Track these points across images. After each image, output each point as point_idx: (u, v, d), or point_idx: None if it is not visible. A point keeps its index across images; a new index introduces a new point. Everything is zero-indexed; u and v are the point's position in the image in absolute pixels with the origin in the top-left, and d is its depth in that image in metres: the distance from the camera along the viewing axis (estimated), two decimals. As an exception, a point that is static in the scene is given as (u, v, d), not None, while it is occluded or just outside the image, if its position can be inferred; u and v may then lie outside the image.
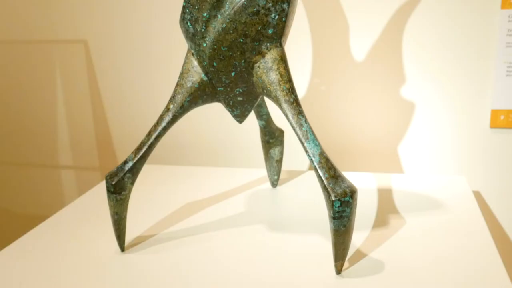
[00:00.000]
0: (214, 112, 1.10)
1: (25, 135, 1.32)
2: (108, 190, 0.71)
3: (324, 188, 0.61)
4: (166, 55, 1.16)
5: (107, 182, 0.71)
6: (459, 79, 1.05)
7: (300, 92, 1.11)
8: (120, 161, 1.27)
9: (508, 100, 1.04)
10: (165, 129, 0.71)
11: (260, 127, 0.90)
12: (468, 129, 1.07)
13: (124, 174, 0.70)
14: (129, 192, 0.72)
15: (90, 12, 1.19)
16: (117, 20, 1.18)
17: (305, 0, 1.06)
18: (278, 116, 0.85)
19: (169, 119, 0.70)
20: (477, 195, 1.09)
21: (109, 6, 1.17)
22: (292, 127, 0.64)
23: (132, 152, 0.71)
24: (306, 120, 0.64)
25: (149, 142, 0.70)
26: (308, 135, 0.63)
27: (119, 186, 0.70)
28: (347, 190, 0.61)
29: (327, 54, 1.09)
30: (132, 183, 0.71)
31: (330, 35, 1.08)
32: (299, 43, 1.08)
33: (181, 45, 0.81)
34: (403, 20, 1.04)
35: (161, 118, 0.71)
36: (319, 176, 0.62)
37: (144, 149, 0.70)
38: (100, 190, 0.99)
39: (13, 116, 1.32)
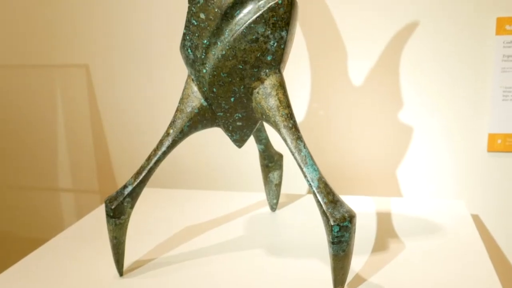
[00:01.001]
0: (214, 136, 1.10)
1: (25, 158, 1.33)
2: (108, 215, 0.71)
3: (323, 213, 0.62)
4: (166, 80, 1.18)
5: (106, 207, 0.71)
6: (456, 103, 1.06)
7: (299, 117, 1.12)
8: (120, 184, 1.27)
9: (504, 124, 1.05)
10: (164, 153, 0.71)
11: (259, 151, 0.90)
12: (466, 153, 1.08)
13: (124, 199, 0.70)
14: (129, 216, 0.72)
15: (91, 37, 1.21)
16: (118, 45, 1.19)
17: (303, 25, 1.08)
18: (277, 141, 0.85)
19: (169, 143, 0.71)
20: (476, 218, 1.09)
21: (110, 30, 1.19)
22: (291, 152, 0.65)
23: (132, 177, 0.71)
24: (305, 145, 0.65)
25: (148, 167, 0.71)
26: (307, 160, 0.64)
27: (118, 211, 0.70)
28: (346, 215, 0.61)
29: (325, 79, 1.11)
30: (132, 207, 0.72)
31: (328, 59, 1.09)
32: (297, 67, 1.09)
33: (181, 70, 0.82)
34: (400, 45, 1.06)
35: (161, 142, 0.71)
36: (318, 201, 0.62)
37: (143, 174, 0.71)
38: (99, 213, 0.99)
39: (13, 140, 1.32)
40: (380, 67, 1.07)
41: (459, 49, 1.03)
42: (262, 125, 0.85)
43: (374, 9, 1.05)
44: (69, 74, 1.25)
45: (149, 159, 0.71)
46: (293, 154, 0.65)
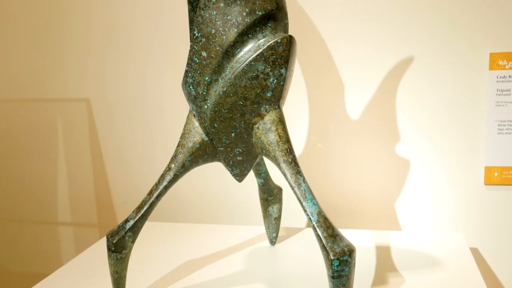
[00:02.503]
0: (214, 170, 1.11)
1: (25, 191, 1.33)
2: (109, 249, 0.71)
3: (323, 247, 0.62)
4: (167, 115, 1.19)
5: (108, 241, 0.71)
6: (453, 136, 1.07)
7: (298, 150, 1.14)
8: (119, 218, 1.27)
9: (500, 157, 1.06)
10: (166, 188, 0.72)
11: (258, 185, 0.91)
12: (464, 186, 1.09)
13: (125, 233, 0.71)
14: (130, 250, 0.72)
15: (92, 71, 1.23)
16: (119, 79, 1.21)
17: (301, 59, 1.11)
18: (276, 174, 0.86)
19: (170, 178, 0.72)
20: (475, 251, 1.09)
21: (111, 65, 1.21)
22: (291, 186, 0.66)
23: (134, 211, 0.72)
24: (304, 180, 0.66)
25: (150, 201, 0.72)
26: (306, 195, 0.65)
27: (120, 245, 0.71)
28: (346, 249, 0.62)
29: (324, 112, 1.12)
30: (133, 241, 0.72)
31: (327, 93, 1.11)
32: (296, 101, 1.11)
33: (181, 105, 0.84)
34: (397, 79, 1.08)
35: (162, 177, 0.72)
36: (317, 235, 0.63)
37: (145, 208, 0.72)
38: (98, 247, 0.99)
39: (13, 172, 1.33)
40: (377, 101, 1.09)
41: (454, 83, 1.05)
42: (262, 159, 0.86)
43: (371, 45, 1.07)
44: (70, 108, 1.27)
45: (150, 193, 0.72)
46: (292, 189, 0.65)
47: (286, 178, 0.66)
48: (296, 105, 1.12)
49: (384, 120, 1.10)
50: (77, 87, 1.25)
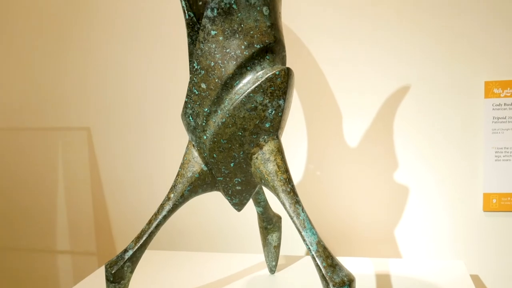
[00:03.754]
0: (213, 198, 1.12)
1: (24, 219, 1.33)
2: (107, 279, 0.71)
3: (322, 277, 0.62)
4: (166, 145, 1.20)
5: (106, 271, 0.71)
6: (451, 163, 1.08)
7: (296, 178, 1.14)
8: (118, 246, 1.27)
9: (498, 184, 1.06)
10: (165, 217, 0.72)
11: (258, 213, 0.91)
12: (463, 213, 1.09)
13: (124, 263, 0.71)
14: (128, 281, 0.72)
15: (93, 100, 1.24)
16: (119, 109, 1.23)
17: (299, 88, 1.12)
18: (276, 202, 0.87)
19: (170, 207, 0.72)
20: (476, 279, 1.09)
21: (112, 94, 1.23)
22: (290, 216, 0.66)
23: (133, 241, 0.72)
24: (303, 209, 0.66)
25: (149, 231, 0.72)
26: (305, 224, 0.65)
27: (118, 275, 0.71)
28: (345, 278, 0.62)
29: (321, 140, 1.13)
30: (132, 271, 0.72)
31: (324, 121, 1.13)
32: (294, 129, 1.12)
33: (181, 136, 0.84)
34: (394, 107, 1.09)
35: (161, 206, 0.73)
36: (317, 265, 0.63)
37: (144, 238, 0.72)
38: (97, 277, 0.98)
39: (12, 200, 1.33)
40: (375, 128, 1.10)
41: (451, 111, 1.06)
42: (261, 188, 0.87)
43: (368, 73, 1.09)
44: (71, 137, 1.27)
45: (149, 223, 0.72)
46: (291, 218, 0.66)
47: (285, 208, 0.67)
48: (294, 132, 1.13)
49: (381, 147, 1.11)
50: (78, 115, 1.26)
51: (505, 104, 1.04)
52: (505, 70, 1.03)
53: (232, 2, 0.64)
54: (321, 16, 1.10)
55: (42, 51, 1.25)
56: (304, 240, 0.64)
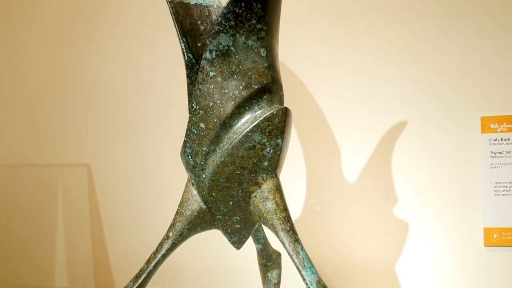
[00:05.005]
0: (213, 236, 1.12)
1: (22, 255, 1.32)
2: (106, 320, 0.71)
3: (322, 317, 0.62)
4: (166, 183, 1.20)
5: (105, 312, 0.71)
6: (450, 198, 1.08)
7: (295, 213, 1.14)
8: (117, 284, 1.26)
9: (499, 219, 1.06)
10: (164, 256, 0.72)
11: (257, 250, 0.91)
12: (463, 248, 1.08)
13: (123, 303, 0.70)
14: (127, 321, 0.72)
15: (93, 137, 1.25)
16: (120, 145, 1.23)
17: (297, 124, 1.13)
18: (275, 239, 0.86)
19: (168, 246, 0.73)
20: (478, 315, 1.07)
21: (112, 131, 1.24)
22: (289, 254, 0.66)
23: (131, 280, 0.72)
24: (302, 248, 0.66)
25: (148, 270, 0.72)
26: (305, 263, 0.65)
27: (117, 316, 0.70)
28: (345, 319, 0.62)
29: (321, 175, 1.14)
30: (130, 312, 0.71)
31: (323, 156, 1.13)
32: (293, 164, 1.13)
33: (180, 174, 0.85)
34: (392, 142, 1.10)
35: (160, 245, 0.73)
36: (316, 305, 0.62)
37: (143, 277, 0.72)
38: (96, 317, 0.97)
39: (12, 236, 1.32)
40: (374, 163, 1.11)
41: (448, 146, 1.07)
42: (260, 225, 0.87)
43: (366, 109, 1.10)
44: (71, 173, 1.28)
45: (148, 262, 0.72)
46: (291, 257, 0.66)
47: (285, 246, 0.67)
48: (294, 168, 1.13)
49: (380, 182, 1.11)
50: (78, 152, 1.27)
51: (502, 139, 1.04)
52: (500, 105, 1.04)
53: (230, 44, 0.66)
54: (317, 52, 1.12)
55: (41, 87, 1.27)
56: (304, 279, 0.64)
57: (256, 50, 0.67)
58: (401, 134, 1.09)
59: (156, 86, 1.20)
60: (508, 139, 1.04)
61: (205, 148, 0.69)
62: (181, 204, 0.74)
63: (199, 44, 0.74)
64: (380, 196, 1.11)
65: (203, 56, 0.67)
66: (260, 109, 0.67)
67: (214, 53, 0.66)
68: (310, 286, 0.64)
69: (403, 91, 1.08)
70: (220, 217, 0.73)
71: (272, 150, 0.68)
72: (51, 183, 1.29)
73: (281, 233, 0.67)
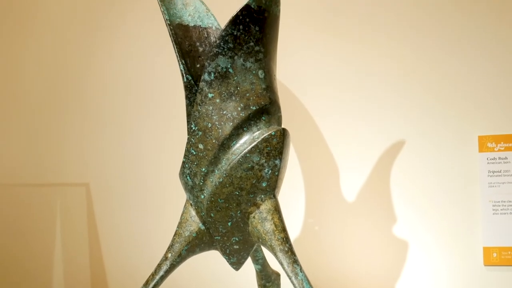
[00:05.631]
0: (211, 257, 1.11)
1: (20, 275, 1.31)
2: None
3: None
4: (165, 204, 1.20)
5: (102, 334, 0.70)
6: (449, 218, 1.08)
7: (294, 233, 1.14)
8: (115, 305, 1.25)
9: (498, 238, 1.06)
10: (162, 278, 0.72)
11: (256, 271, 0.90)
12: (463, 267, 1.08)
13: (120, 326, 0.70)
14: None
15: (92, 156, 1.25)
16: (119, 165, 1.24)
17: (296, 145, 1.13)
18: (274, 259, 0.86)
19: (167, 267, 0.72)
20: (479, 335, 1.07)
21: (111, 150, 1.24)
22: (288, 276, 0.66)
23: (129, 302, 0.71)
24: (301, 269, 0.66)
25: (146, 292, 0.71)
26: (304, 285, 0.65)
27: None
28: None
29: (319, 195, 1.14)
30: (128, 334, 0.71)
31: (322, 175, 1.13)
32: (292, 184, 1.13)
33: (179, 194, 0.85)
34: (390, 161, 1.10)
35: (159, 266, 0.72)
36: (315, 327, 0.62)
37: (141, 299, 0.71)
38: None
39: (10, 256, 1.32)
40: (372, 182, 1.11)
41: (447, 165, 1.07)
42: (259, 246, 0.86)
43: (364, 128, 1.11)
44: (70, 193, 1.28)
45: (147, 283, 0.72)
46: (290, 278, 0.66)
47: (283, 267, 0.67)
48: (293, 187, 1.13)
49: (379, 201, 1.11)
50: (77, 172, 1.27)
51: (499, 158, 1.05)
52: (497, 124, 1.05)
53: (229, 66, 0.66)
54: (315, 71, 1.13)
55: (40, 107, 1.28)
56: (302, 301, 0.64)
57: (254, 72, 0.67)
58: (399, 153, 1.09)
59: (155, 106, 1.21)
60: (506, 158, 1.05)
61: (203, 169, 0.69)
62: (179, 225, 0.74)
63: (198, 66, 0.75)
64: (379, 215, 1.11)
65: (202, 78, 0.68)
66: (258, 130, 0.68)
67: (212, 75, 0.67)
68: (309, 308, 0.63)
69: (401, 110, 1.09)
70: (219, 238, 0.72)
71: (270, 171, 0.68)
72: (50, 202, 1.29)
73: (280, 254, 0.67)
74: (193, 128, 0.69)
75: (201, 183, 0.70)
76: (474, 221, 1.07)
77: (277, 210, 0.69)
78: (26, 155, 1.30)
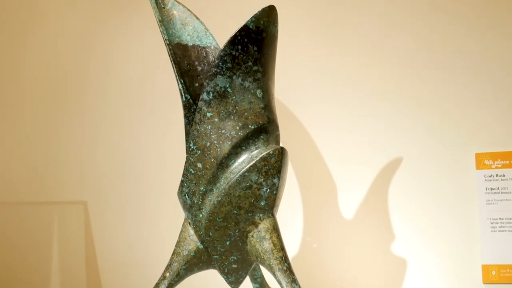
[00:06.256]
0: (210, 276, 1.11)
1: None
2: None
3: None
4: (163, 222, 1.20)
5: None
6: (448, 236, 1.08)
7: (293, 251, 1.13)
8: (112, 325, 1.24)
9: (497, 255, 1.06)
10: (161, 297, 0.72)
11: (254, 290, 0.90)
12: (462, 286, 1.07)
13: None
14: None
15: (90, 174, 1.25)
16: (117, 184, 1.24)
17: (294, 162, 1.14)
18: (273, 278, 0.85)
19: (165, 287, 0.72)
20: None
21: (109, 168, 1.24)
22: (286, 295, 0.65)
23: (127, 322, 0.71)
24: (299, 288, 0.66)
25: (144, 312, 0.71)
26: (302, 304, 0.64)
27: None
28: None
29: (318, 212, 1.14)
30: None
31: (320, 193, 1.13)
32: (290, 201, 1.13)
33: (177, 213, 0.85)
34: (388, 179, 1.10)
35: (157, 286, 0.72)
36: None
37: (139, 319, 0.71)
38: None
39: (6, 274, 1.31)
40: (370, 200, 1.11)
41: (444, 183, 1.07)
42: (257, 264, 0.86)
43: (362, 145, 1.11)
44: (67, 211, 1.27)
45: (145, 303, 0.72)
46: (288, 298, 0.65)
47: (282, 286, 0.67)
48: (291, 205, 1.13)
49: (377, 219, 1.11)
50: (75, 190, 1.26)
51: (496, 175, 1.05)
52: (494, 141, 1.05)
53: (227, 86, 0.67)
54: (313, 90, 1.14)
55: (38, 125, 1.28)
56: (301, 321, 0.64)
57: (252, 91, 0.68)
58: (397, 170, 1.10)
59: (153, 125, 1.21)
60: (503, 175, 1.05)
61: (202, 188, 0.69)
62: (177, 244, 0.74)
63: (197, 85, 0.76)
64: (377, 233, 1.11)
65: (201, 97, 0.68)
66: (256, 149, 0.68)
67: (211, 94, 0.67)
68: (308, 328, 0.63)
69: (398, 128, 1.10)
70: (217, 257, 0.72)
71: (268, 190, 0.68)
72: (47, 220, 1.28)
73: (278, 273, 0.67)
74: (192, 147, 0.69)
75: (200, 202, 0.70)
76: (472, 239, 1.07)
77: (275, 229, 0.69)
78: (24, 173, 1.30)
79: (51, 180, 1.28)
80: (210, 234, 0.70)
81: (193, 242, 0.73)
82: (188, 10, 0.79)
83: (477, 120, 1.06)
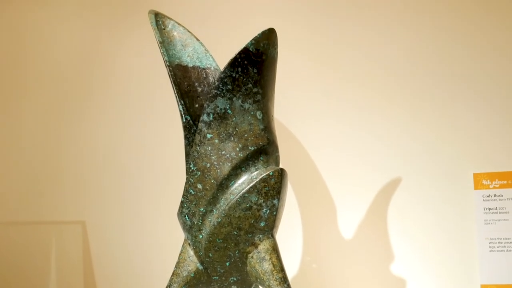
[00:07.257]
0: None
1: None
2: None
3: None
4: (162, 243, 1.19)
5: None
6: (447, 256, 1.07)
7: (292, 271, 1.13)
8: None
9: (496, 275, 1.05)
10: (160, 319, 0.71)
11: (254, 310, 0.90)
12: (462, 306, 1.07)
13: None
14: None
15: (89, 194, 1.25)
16: (116, 203, 1.23)
17: (293, 183, 1.14)
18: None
19: (165, 308, 0.72)
20: None
21: (107, 188, 1.24)
22: (286, 317, 0.65)
23: None
24: (299, 310, 0.65)
25: (143, 334, 0.70)
26: (302, 326, 0.64)
27: None
28: None
29: (317, 233, 1.13)
30: None
31: (319, 214, 1.13)
32: (290, 221, 1.13)
33: (177, 234, 0.85)
34: (387, 200, 1.11)
35: (156, 307, 0.72)
36: None
37: None
38: None
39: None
40: (369, 220, 1.11)
41: (443, 203, 1.08)
42: (257, 285, 0.86)
43: (361, 165, 1.11)
44: (65, 231, 1.27)
45: (144, 325, 0.71)
46: (288, 319, 0.65)
47: (281, 308, 0.66)
48: (290, 225, 1.13)
49: (377, 239, 1.11)
50: (73, 209, 1.26)
51: (495, 195, 1.06)
52: (492, 162, 1.06)
53: (227, 107, 0.68)
54: (312, 109, 1.15)
55: (37, 145, 1.28)
56: None
57: (252, 112, 0.69)
58: (396, 190, 1.10)
59: (152, 145, 1.22)
60: (501, 195, 1.05)
61: (202, 209, 0.69)
62: (177, 265, 0.74)
63: (197, 106, 0.76)
64: (376, 253, 1.11)
65: (201, 119, 0.69)
66: (256, 170, 0.69)
67: (211, 115, 0.68)
68: None
69: (397, 147, 1.10)
70: (217, 278, 0.72)
71: (268, 211, 0.68)
72: (45, 240, 1.28)
73: (278, 294, 0.66)
74: (192, 168, 0.70)
75: (200, 223, 0.70)
76: (471, 259, 1.07)
77: (275, 249, 0.69)
78: (22, 193, 1.30)
79: (49, 200, 1.28)
80: (210, 255, 0.70)
81: (192, 263, 0.72)
82: (189, 31, 0.80)
83: (475, 140, 1.07)
